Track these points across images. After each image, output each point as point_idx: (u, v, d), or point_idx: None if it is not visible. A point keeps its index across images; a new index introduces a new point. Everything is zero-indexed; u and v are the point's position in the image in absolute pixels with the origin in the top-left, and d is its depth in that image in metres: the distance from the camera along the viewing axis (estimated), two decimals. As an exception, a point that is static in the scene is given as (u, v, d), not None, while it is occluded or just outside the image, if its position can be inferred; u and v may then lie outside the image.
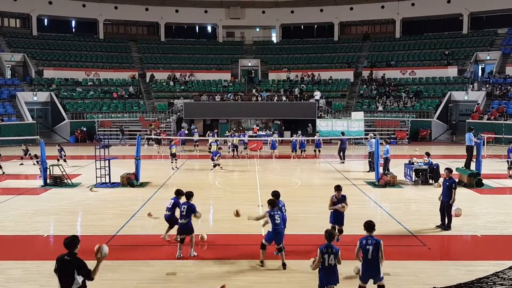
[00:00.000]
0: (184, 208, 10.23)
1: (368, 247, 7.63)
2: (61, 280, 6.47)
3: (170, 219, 11.07)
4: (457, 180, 18.32)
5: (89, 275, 6.49)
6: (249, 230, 12.03)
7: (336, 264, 7.61)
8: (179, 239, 10.31)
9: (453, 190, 12.08)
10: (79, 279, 6.44)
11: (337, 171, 21.90)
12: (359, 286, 7.88)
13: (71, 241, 6.64)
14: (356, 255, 7.87)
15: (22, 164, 23.72)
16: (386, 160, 19.66)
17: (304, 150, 26.65)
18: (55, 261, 6.59)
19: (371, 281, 7.83)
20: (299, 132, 29.09)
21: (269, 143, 27.16)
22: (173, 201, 11.04)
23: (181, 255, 10.16)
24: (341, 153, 24.75)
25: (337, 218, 11.09)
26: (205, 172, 22.26)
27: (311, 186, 18.65)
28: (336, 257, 7.58)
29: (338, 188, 11.08)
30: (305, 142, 27.00)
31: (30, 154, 24.07)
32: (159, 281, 9.04)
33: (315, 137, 27.47)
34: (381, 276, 7.71)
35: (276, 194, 10.49)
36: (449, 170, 12.53)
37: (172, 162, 22.79)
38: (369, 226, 7.88)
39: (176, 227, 10.81)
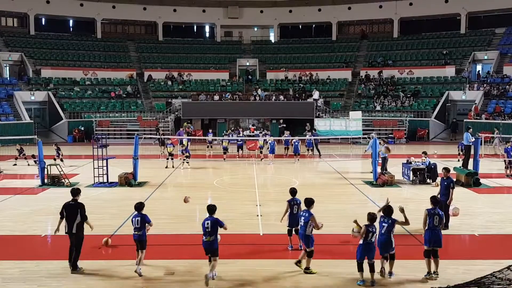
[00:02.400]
0: (208, 223, 8.93)
1: (384, 224, 9.12)
2: (67, 218, 9.46)
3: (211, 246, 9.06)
4: (454, 179, 18.44)
5: (83, 217, 9.50)
6: (248, 230, 12.05)
7: (373, 241, 8.90)
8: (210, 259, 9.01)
9: (451, 190, 12.11)
10: (79, 217, 9.43)
11: (335, 170, 21.91)
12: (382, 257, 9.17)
13: (76, 190, 9.91)
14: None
15: (15, 164, 23.66)
16: (384, 160, 19.66)
17: (288, 148, 26.26)
18: (61, 208, 9.62)
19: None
20: (288, 132, 28.20)
21: (267, 147, 25.15)
22: (209, 221, 9.00)
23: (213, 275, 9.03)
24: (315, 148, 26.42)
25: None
26: (203, 172, 22.26)
27: (310, 185, 18.62)
28: (373, 236, 8.86)
29: (435, 200, 9.65)
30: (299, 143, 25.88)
31: (24, 154, 24.00)
32: (157, 281, 9.03)
33: (307, 137, 27.05)
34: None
35: (292, 191, 10.73)
36: (446, 169, 12.57)
37: (167, 160, 22.97)
38: (372, 217, 9.07)
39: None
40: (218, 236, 9.08)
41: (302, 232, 9.51)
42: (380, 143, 19.80)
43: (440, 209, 9.73)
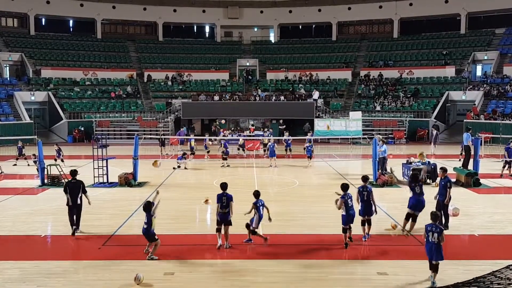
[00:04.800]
0: (224, 199, 10.80)
1: (429, 232, 8.82)
2: (71, 194, 11.84)
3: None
4: (454, 179, 18.44)
5: (85, 191, 12.09)
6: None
7: (440, 242, 8.72)
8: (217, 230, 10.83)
9: (448, 190, 12.11)
10: (81, 192, 11.96)
11: (335, 171, 21.90)
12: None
13: (75, 171, 12.37)
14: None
15: (15, 164, 23.64)
16: (384, 160, 19.63)
17: (290, 150, 25.95)
18: (64, 186, 12.35)
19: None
20: (287, 133, 27.82)
21: (267, 150, 24.21)
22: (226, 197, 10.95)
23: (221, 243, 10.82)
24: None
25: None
26: (203, 172, 22.26)
27: (309, 186, 18.65)
28: (440, 236, 8.71)
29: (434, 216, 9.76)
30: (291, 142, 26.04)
31: (24, 154, 23.94)
32: (157, 281, 9.03)
33: (307, 137, 26.83)
34: None
35: (256, 194, 11.28)
36: (443, 169, 12.59)
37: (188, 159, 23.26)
38: (435, 216, 9.04)
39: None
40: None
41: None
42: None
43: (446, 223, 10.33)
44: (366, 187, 11.48)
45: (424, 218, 10.92)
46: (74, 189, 11.90)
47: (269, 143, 24.11)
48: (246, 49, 49.69)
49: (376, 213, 11.54)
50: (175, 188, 18.29)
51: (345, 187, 11.00)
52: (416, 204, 11.77)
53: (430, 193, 15.41)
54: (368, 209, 11.32)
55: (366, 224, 11.38)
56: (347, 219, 10.80)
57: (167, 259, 10.17)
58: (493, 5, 43.74)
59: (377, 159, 18.69)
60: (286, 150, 26.05)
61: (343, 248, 10.71)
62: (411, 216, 11.78)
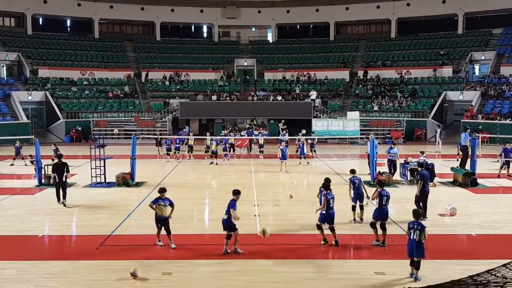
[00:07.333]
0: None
1: (411, 230, 9.07)
2: (58, 173, 14.88)
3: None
4: (452, 179, 18.52)
5: (68, 171, 15.26)
6: (244, 230, 12.02)
7: (421, 239, 8.88)
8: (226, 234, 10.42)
9: (419, 182, 12.70)
10: (66, 172, 15.06)
11: (333, 171, 21.91)
12: None
13: (61, 155, 15.97)
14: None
15: (12, 164, 23.56)
16: (394, 162, 19.64)
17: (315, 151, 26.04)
18: (52, 166, 15.71)
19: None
20: (303, 131, 27.31)
21: (279, 154, 22.27)
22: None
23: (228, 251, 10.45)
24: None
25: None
26: (201, 172, 22.24)
27: (308, 185, 18.65)
28: (422, 233, 8.86)
29: (380, 183, 11.40)
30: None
31: (21, 154, 23.84)
32: (155, 281, 9.02)
33: (309, 137, 26.81)
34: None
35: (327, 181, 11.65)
36: (419, 164, 13.43)
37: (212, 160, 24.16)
38: (417, 213, 9.28)
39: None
40: None
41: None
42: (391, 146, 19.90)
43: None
44: (356, 177, 12.86)
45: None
46: (60, 169, 14.93)
47: (281, 146, 22.33)
48: (244, 49, 49.68)
49: (369, 198, 12.53)
50: (173, 188, 18.22)
51: (326, 185, 11.23)
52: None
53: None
54: (359, 196, 12.71)
55: (359, 209, 12.74)
56: (325, 217, 10.88)
57: (165, 259, 10.16)
58: (490, 5, 43.86)
59: (374, 159, 18.76)
60: (311, 151, 25.82)
61: (342, 248, 10.74)
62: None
